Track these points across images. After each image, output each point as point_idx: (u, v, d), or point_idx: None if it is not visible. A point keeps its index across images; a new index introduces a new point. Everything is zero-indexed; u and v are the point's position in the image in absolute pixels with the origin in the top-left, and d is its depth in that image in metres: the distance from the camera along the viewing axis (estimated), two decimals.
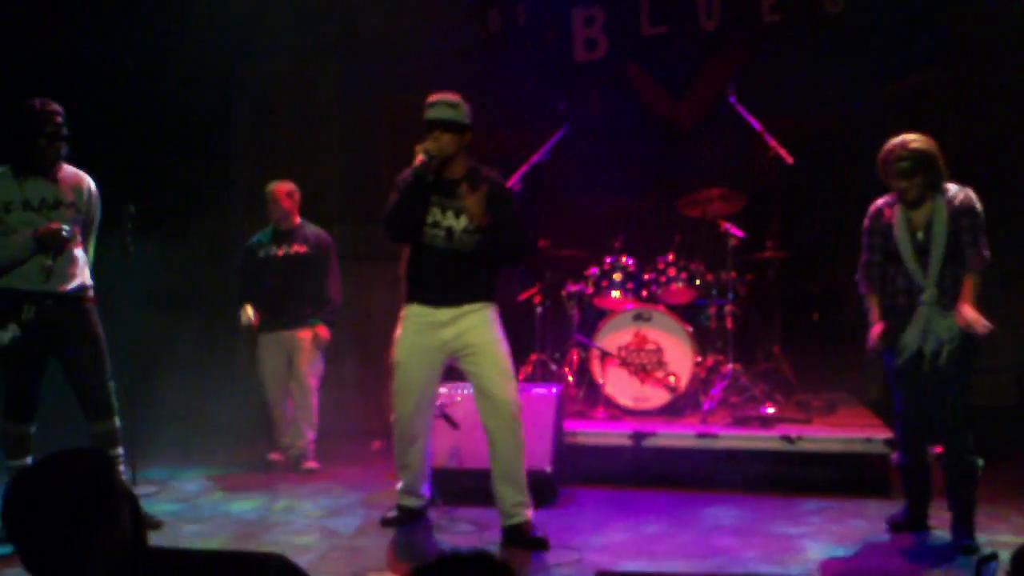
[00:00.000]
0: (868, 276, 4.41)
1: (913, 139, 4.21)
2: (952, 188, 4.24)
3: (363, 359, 6.86)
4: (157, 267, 6.06)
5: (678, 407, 5.85)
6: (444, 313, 4.35)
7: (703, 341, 6.09)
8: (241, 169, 7.54)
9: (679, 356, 5.83)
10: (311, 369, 5.84)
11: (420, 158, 4.21)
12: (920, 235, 4.21)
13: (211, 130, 7.47)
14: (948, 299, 4.16)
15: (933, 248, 4.17)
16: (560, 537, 4.35)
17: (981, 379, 6.56)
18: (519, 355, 6.43)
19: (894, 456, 4.57)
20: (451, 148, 4.26)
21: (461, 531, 4.55)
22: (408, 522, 4.56)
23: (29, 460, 4.32)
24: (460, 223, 4.30)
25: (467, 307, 4.34)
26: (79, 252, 4.48)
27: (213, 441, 6.30)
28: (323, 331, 5.83)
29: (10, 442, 4.40)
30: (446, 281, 4.35)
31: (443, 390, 5.19)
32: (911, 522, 4.47)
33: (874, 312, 4.40)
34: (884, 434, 5.22)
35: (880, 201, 4.41)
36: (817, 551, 4.18)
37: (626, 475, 5.41)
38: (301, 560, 2.45)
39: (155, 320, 6.24)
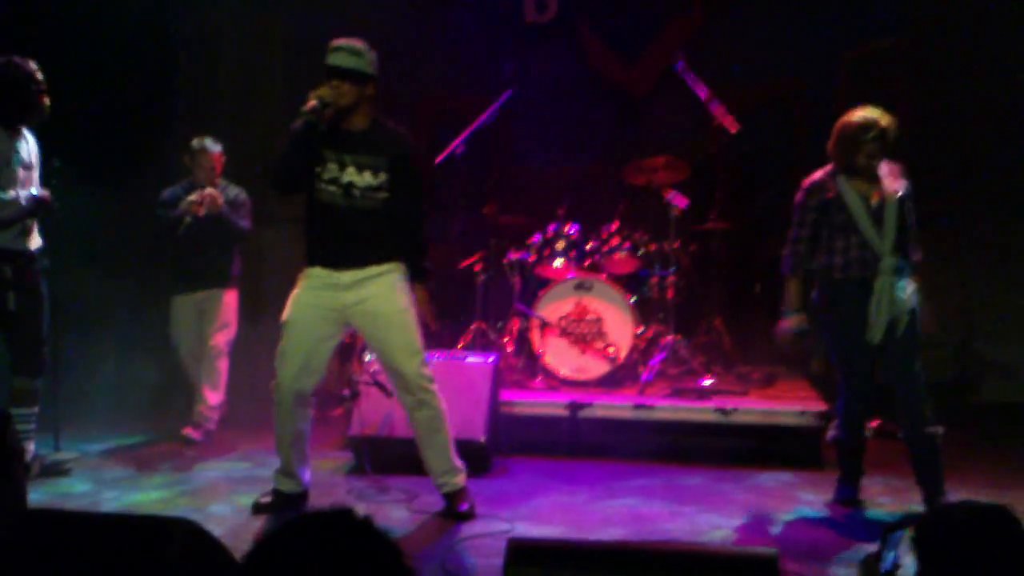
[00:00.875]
0: (795, 253, 4.35)
1: (881, 116, 4.15)
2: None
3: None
4: (95, 224, 5.88)
5: (617, 378, 5.81)
6: (345, 276, 4.09)
7: (644, 312, 6.03)
8: (183, 124, 7.32)
9: (619, 327, 5.78)
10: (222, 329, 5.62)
11: (311, 103, 3.92)
12: (875, 203, 4.17)
13: (153, 84, 7.24)
14: (902, 267, 4.16)
15: (887, 216, 4.14)
16: (490, 507, 4.31)
17: (923, 352, 6.64)
18: (460, 323, 6.38)
19: (830, 433, 4.53)
20: (349, 98, 3.98)
21: (390, 499, 4.49)
22: (283, 508, 4.20)
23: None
24: (362, 179, 4.04)
25: (372, 269, 4.09)
26: None
27: (137, 409, 6.12)
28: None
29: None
30: (347, 241, 4.07)
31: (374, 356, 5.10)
32: (846, 500, 4.46)
33: (793, 297, 4.36)
34: (819, 407, 5.22)
35: (818, 175, 4.34)
36: (745, 523, 4.17)
37: (562, 446, 5.36)
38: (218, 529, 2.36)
39: (90, 279, 6.06)
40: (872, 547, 3.81)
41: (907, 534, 2.16)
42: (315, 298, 4.11)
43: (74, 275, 5.59)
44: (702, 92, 5.88)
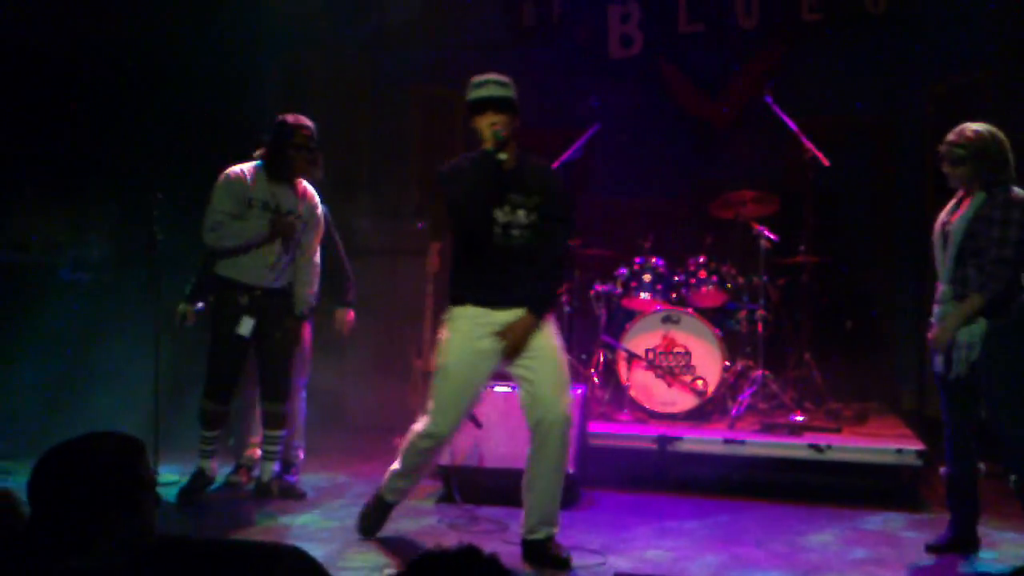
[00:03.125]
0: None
1: (971, 127, 3.97)
2: (1016, 191, 3.93)
3: (386, 354, 6.82)
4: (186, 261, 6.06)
5: (705, 412, 5.75)
6: (502, 315, 3.95)
7: (732, 346, 5.98)
8: None
9: (707, 360, 5.74)
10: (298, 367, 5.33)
11: (499, 134, 3.81)
12: (949, 227, 4.00)
13: (244, 122, 7.45)
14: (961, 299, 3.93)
15: (950, 242, 3.95)
16: (581, 540, 4.29)
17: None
18: None
19: (942, 469, 4.25)
20: (508, 130, 3.87)
21: (482, 530, 4.50)
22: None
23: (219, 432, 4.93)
24: (516, 217, 3.91)
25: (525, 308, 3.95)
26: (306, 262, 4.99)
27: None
28: (350, 316, 5.49)
29: (207, 416, 4.88)
30: (506, 281, 3.94)
31: None
32: (956, 542, 4.17)
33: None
34: (916, 445, 5.09)
35: None
36: (843, 566, 4.08)
37: (650, 479, 5.32)
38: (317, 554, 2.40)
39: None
40: None
41: None
42: (470, 342, 3.97)
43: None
44: (792, 125, 5.84)
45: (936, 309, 4.07)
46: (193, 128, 6.77)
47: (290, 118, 4.89)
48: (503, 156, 3.87)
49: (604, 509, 4.90)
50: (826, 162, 5.67)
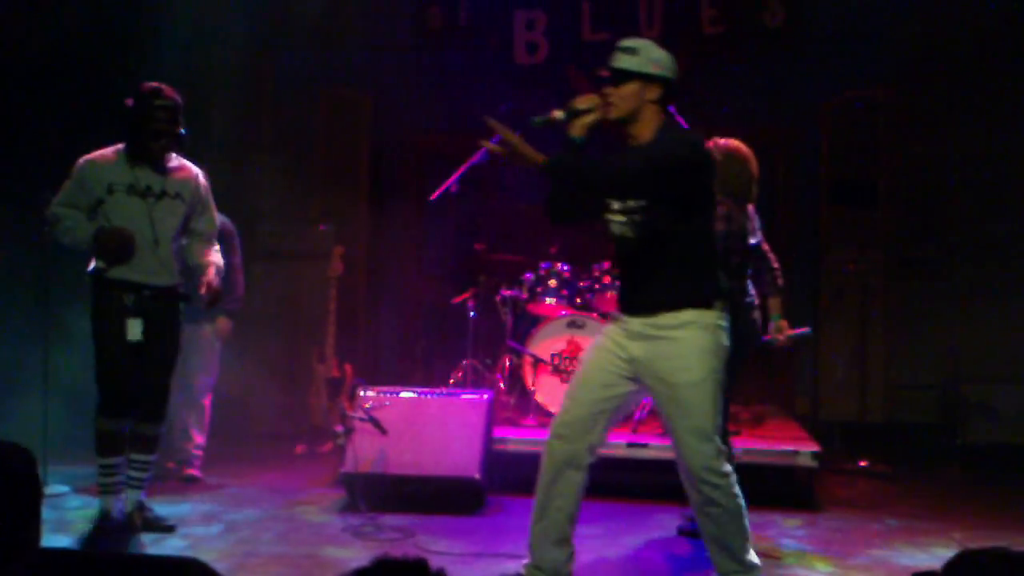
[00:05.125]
0: None
1: (721, 141, 4.40)
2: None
3: (288, 359, 6.70)
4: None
5: None
6: (634, 322, 3.40)
7: None
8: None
9: None
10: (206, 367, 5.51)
11: (555, 113, 3.39)
12: None
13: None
14: None
15: None
16: (489, 545, 4.28)
17: (907, 394, 6.74)
18: (451, 360, 6.38)
19: None
20: (624, 106, 3.35)
21: (387, 538, 4.44)
22: None
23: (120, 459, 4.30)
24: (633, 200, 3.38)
25: (665, 319, 3.31)
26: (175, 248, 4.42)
27: None
28: (224, 324, 5.56)
29: (106, 440, 4.28)
30: (637, 281, 3.43)
31: (371, 393, 5.08)
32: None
33: None
34: (811, 447, 5.26)
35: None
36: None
37: None
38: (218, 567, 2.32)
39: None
40: None
41: None
42: (604, 342, 3.49)
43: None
44: None
45: None
46: (88, 124, 6.52)
47: (147, 87, 4.31)
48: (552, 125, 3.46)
49: (510, 514, 4.89)
50: None
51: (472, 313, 6.18)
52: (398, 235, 7.34)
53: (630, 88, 3.35)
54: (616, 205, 3.43)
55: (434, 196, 5.94)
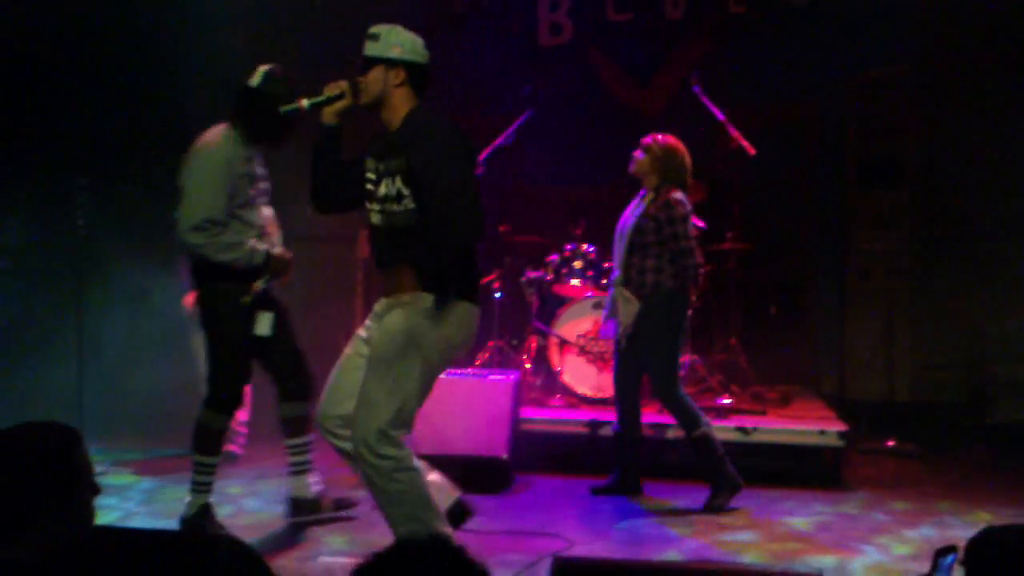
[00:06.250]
0: None
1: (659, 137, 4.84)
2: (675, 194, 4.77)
3: (318, 340, 6.75)
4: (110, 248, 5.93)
5: None
6: (380, 305, 3.50)
7: None
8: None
9: None
10: None
11: (301, 101, 3.43)
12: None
13: (168, 105, 7.28)
14: (631, 285, 4.77)
15: (622, 235, 4.82)
16: (516, 523, 4.33)
17: (935, 374, 6.71)
18: (477, 341, 6.40)
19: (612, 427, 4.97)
20: (371, 91, 3.38)
21: None
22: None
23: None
24: (388, 189, 3.37)
25: (402, 298, 3.37)
26: None
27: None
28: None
29: (215, 438, 4.12)
30: (384, 266, 3.46)
31: None
32: (618, 486, 4.86)
33: None
34: (838, 427, 5.26)
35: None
36: (772, 543, 4.20)
37: (581, 463, 5.40)
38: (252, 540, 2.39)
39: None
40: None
41: (957, 559, 2.17)
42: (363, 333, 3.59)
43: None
44: (719, 114, 5.94)
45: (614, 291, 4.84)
46: (118, 110, 6.60)
47: (275, 69, 4.14)
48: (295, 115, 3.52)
49: (538, 493, 4.95)
50: (752, 151, 5.79)
51: (498, 295, 6.22)
52: None
53: (374, 74, 3.39)
54: (378, 190, 3.43)
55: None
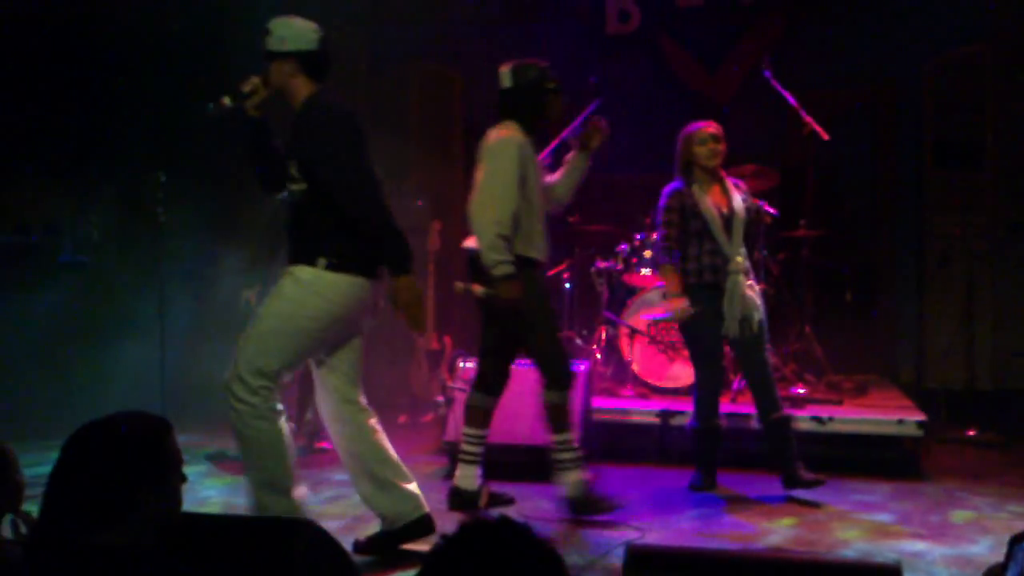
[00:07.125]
0: (670, 247, 4.74)
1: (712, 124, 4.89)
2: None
3: (390, 333, 6.85)
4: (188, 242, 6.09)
5: None
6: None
7: None
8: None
9: None
10: None
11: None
12: (725, 210, 4.70)
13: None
14: (748, 269, 4.72)
15: (735, 221, 4.67)
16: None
17: (1017, 361, 6.53)
18: None
19: (688, 422, 4.90)
20: (272, 83, 3.58)
21: (488, 504, 4.53)
22: None
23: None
24: (292, 170, 3.60)
25: (289, 268, 3.61)
26: None
27: None
28: None
29: (566, 414, 4.38)
30: (288, 239, 3.69)
31: (470, 364, 5.17)
32: (707, 483, 4.78)
33: (676, 282, 4.70)
34: (916, 416, 5.16)
35: (674, 185, 4.87)
36: (849, 533, 4.14)
37: (653, 453, 5.39)
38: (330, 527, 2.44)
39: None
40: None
41: None
42: None
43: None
44: (791, 100, 5.85)
45: (732, 279, 4.67)
46: (193, 107, 6.74)
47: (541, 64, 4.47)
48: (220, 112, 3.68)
49: (610, 483, 4.95)
50: (825, 136, 5.68)
51: (567, 285, 6.23)
52: None
53: (273, 67, 3.59)
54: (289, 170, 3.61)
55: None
